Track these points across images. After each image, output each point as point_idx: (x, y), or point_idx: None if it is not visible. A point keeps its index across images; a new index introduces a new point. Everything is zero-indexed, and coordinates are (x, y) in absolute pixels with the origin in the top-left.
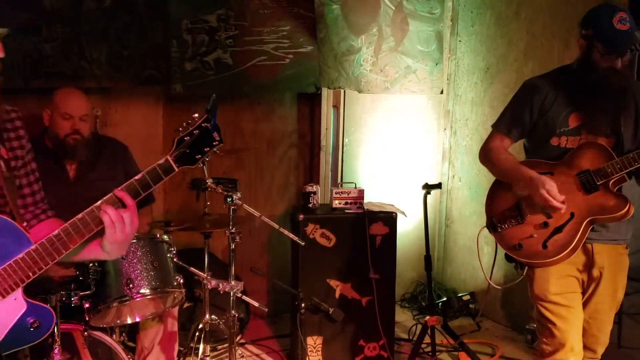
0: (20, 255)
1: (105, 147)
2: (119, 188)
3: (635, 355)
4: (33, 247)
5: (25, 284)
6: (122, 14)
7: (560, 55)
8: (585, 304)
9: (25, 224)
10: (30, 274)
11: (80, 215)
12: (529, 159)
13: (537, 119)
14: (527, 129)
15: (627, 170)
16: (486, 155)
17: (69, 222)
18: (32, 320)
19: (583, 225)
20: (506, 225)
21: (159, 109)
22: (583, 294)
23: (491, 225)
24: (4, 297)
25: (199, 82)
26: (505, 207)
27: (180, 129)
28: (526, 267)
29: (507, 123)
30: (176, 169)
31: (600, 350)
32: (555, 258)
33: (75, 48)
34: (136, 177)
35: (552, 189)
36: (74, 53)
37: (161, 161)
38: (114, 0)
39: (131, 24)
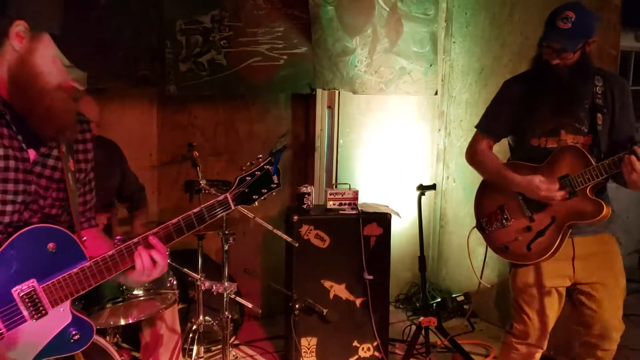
0: (75, 270)
1: (100, 146)
2: (157, 231)
3: (633, 356)
4: (87, 264)
5: (74, 297)
6: (116, 14)
7: None
8: (583, 292)
9: (84, 238)
10: (80, 289)
11: (136, 240)
12: (512, 162)
13: (517, 119)
14: (508, 129)
15: (602, 177)
16: (472, 157)
17: (123, 244)
18: (74, 332)
19: (563, 229)
20: (492, 228)
21: (153, 110)
22: (574, 284)
23: (480, 227)
24: (53, 307)
25: (193, 83)
26: (491, 209)
27: (244, 168)
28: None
29: (489, 124)
30: (233, 207)
31: (616, 335)
32: (538, 260)
33: None
34: (194, 210)
35: (547, 188)
36: None
37: (220, 198)
38: (108, 1)
39: (125, 25)
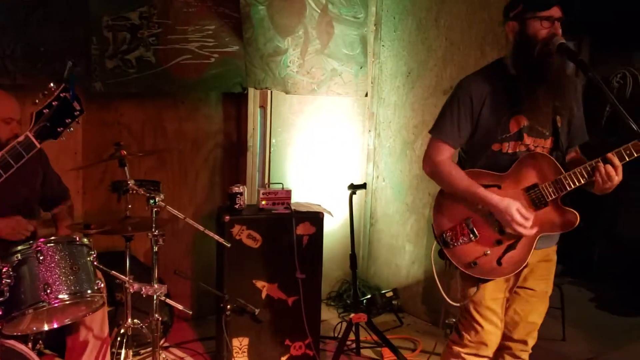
0: None
1: None
2: None
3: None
4: None
5: None
6: (41, 6)
7: (477, 62)
8: (516, 298)
9: None
10: None
11: None
12: (473, 170)
13: (477, 123)
14: (467, 134)
15: (576, 186)
16: (433, 169)
17: None
18: None
19: (535, 241)
20: (459, 242)
21: None
22: (512, 287)
23: (442, 241)
24: None
25: (120, 81)
26: (455, 222)
27: (37, 101)
28: (451, 265)
29: (448, 129)
30: (38, 145)
31: (531, 342)
32: (511, 274)
33: None
34: None
35: (521, 219)
36: None
37: (21, 138)
38: None
39: (50, 19)
